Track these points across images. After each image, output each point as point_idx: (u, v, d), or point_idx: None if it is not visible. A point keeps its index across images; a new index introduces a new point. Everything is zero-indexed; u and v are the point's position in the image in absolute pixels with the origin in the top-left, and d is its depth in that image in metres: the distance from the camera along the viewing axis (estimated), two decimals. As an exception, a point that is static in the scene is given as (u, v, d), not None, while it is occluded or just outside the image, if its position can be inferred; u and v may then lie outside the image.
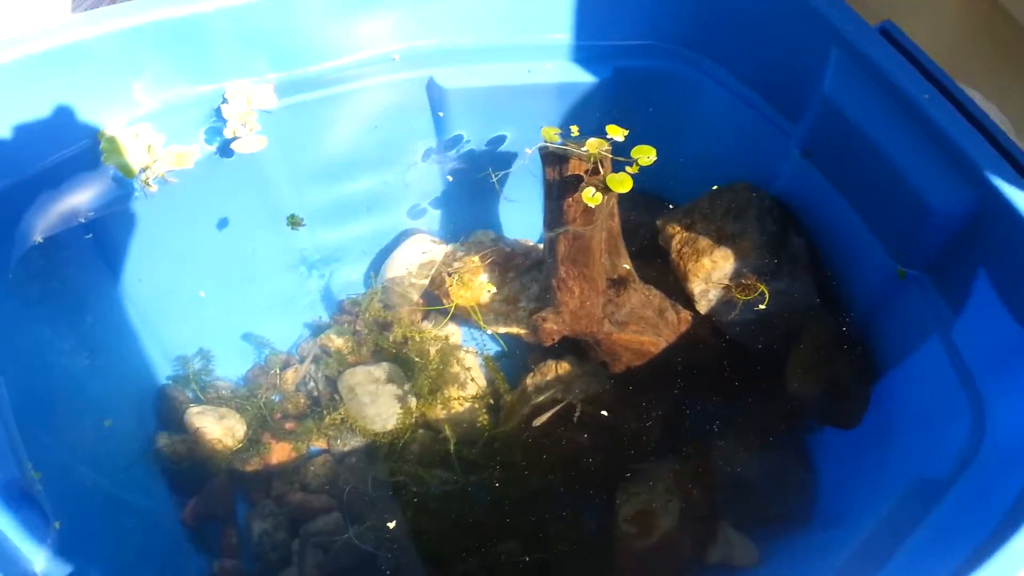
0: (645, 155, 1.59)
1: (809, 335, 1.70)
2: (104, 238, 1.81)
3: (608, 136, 1.61)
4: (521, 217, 2.11)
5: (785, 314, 1.72)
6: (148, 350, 1.97)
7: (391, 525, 1.75)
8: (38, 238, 1.74)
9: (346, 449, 1.92)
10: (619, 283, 1.74)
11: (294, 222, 1.76)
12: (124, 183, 1.76)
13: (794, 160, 1.78)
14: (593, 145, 1.59)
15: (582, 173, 1.62)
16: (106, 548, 1.62)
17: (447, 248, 2.03)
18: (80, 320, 1.86)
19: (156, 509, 1.86)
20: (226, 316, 2.06)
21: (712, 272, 1.73)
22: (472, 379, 1.95)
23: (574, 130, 1.65)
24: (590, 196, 1.58)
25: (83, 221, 1.75)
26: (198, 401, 1.95)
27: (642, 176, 1.60)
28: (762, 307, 1.71)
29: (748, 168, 1.85)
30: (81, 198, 1.76)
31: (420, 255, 2.02)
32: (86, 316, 1.87)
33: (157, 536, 1.83)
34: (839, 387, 1.70)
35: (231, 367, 2.04)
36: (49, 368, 1.77)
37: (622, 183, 1.57)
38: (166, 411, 1.95)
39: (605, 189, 1.59)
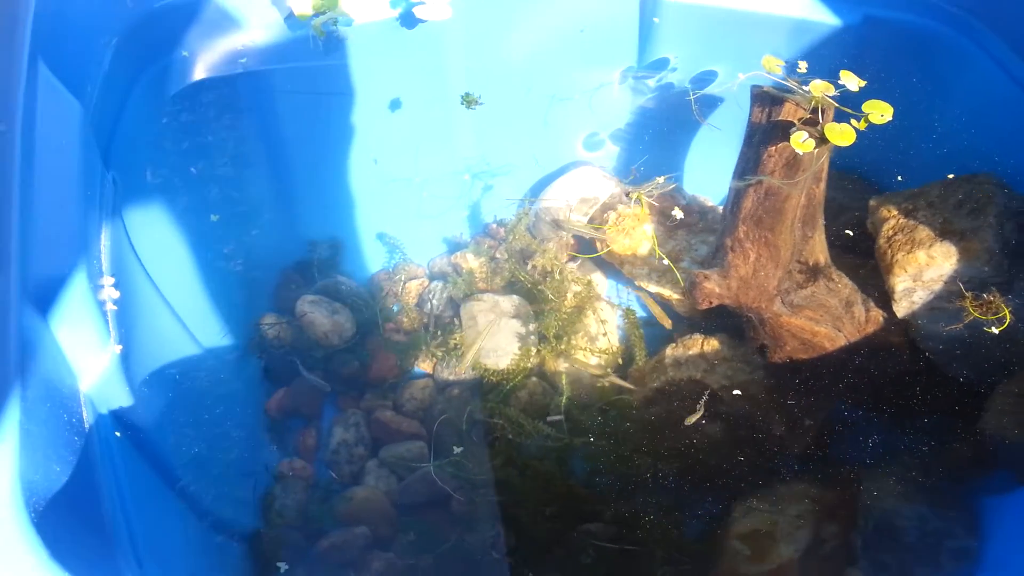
0: (879, 111, 1.35)
1: (1027, 372, 1.40)
2: (266, 86, 1.76)
3: (839, 82, 1.39)
4: (705, 173, 1.92)
5: (1004, 341, 1.42)
6: (280, 222, 1.91)
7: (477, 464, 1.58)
8: (201, 72, 1.70)
9: (450, 379, 1.78)
10: (811, 269, 1.49)
11: (469, 100, 1.64)
12: (295, 26, 1.68)
13: (1062, 159, 1.50)
14: (818, 88, 1.37)
15: (795, 120, 1.41)
16: (165, 400, 1.49)
17: (615, 188, 1.86)
18: (224, 171, 1.80)
19: (241, 389, 1.77)
20: (368, 211, 1.97)
21: (925, 269, 1.46)
22: (605, 334, 1.76)
23: (802, 65, 1.43)
24: (800, 141, 1.36)
25: (243, 59, 1.68)
26: (315, 290, 1.86)
27: (855, 153, 1.38)
28: (994, 331, 1.41)
29: (996, 161, 1.57)
30: (248, 32, 1.70)
31: (584, 188, 1.86)
32: (232, 168, 1.81)
33: (234, 416, 1.73)
34: (1052, 442, 1.39)
35: (358, 265, 1.95)
36: (177, 198, 1.70)
37: (843, 135, 1.34)
38: (281, 292, 1.88)
39: (821, 140, 1.36)
